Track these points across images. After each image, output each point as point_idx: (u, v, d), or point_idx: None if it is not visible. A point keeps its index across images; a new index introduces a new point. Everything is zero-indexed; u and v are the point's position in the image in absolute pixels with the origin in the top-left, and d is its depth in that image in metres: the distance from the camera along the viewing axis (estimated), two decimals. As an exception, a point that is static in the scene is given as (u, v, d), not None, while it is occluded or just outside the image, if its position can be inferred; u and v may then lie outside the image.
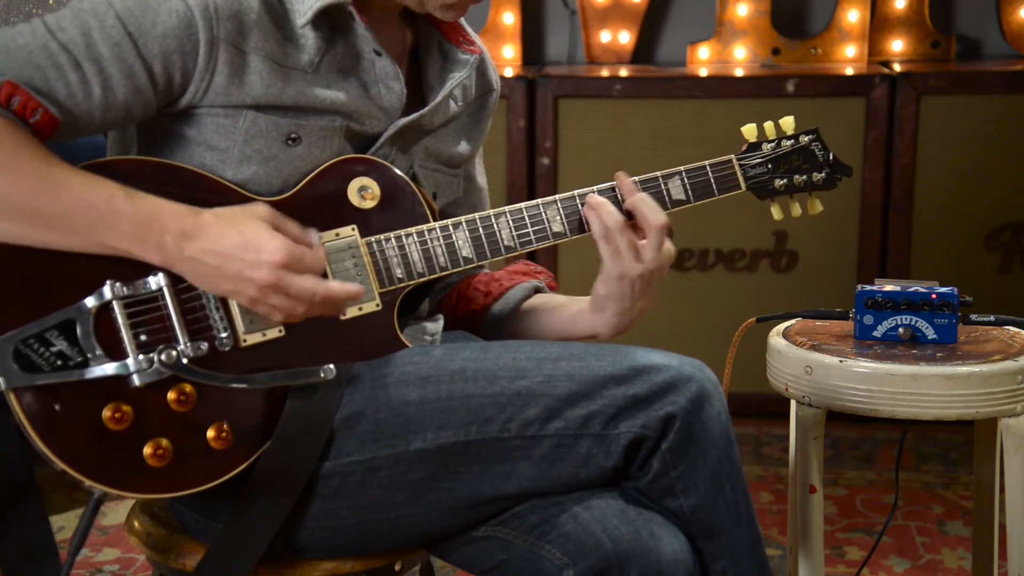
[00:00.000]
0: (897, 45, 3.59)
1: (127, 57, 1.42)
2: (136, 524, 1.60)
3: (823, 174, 1.73)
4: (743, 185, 1.70)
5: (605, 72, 3.44)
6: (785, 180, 1.72)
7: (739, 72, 3.40)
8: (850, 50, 3.56)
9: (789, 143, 1.73)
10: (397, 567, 1.56)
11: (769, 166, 1.71)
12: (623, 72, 3.44)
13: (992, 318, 1.79)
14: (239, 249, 1.38)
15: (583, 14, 3.62)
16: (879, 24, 3.58)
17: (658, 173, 1.66)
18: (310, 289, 1.41)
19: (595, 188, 1.63)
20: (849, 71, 3.38)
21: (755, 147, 1.72)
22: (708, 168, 1.68)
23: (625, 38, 3.63)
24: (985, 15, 3.60)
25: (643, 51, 3.69)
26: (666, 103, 3.28)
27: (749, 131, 1.73)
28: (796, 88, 3.24)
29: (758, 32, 3.56)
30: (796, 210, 1.76)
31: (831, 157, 1.75)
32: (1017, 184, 3.24)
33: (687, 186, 1.66)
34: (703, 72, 3.42)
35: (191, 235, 1.39)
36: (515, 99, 3.29)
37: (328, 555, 1.51)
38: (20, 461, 1.40)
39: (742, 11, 3.56)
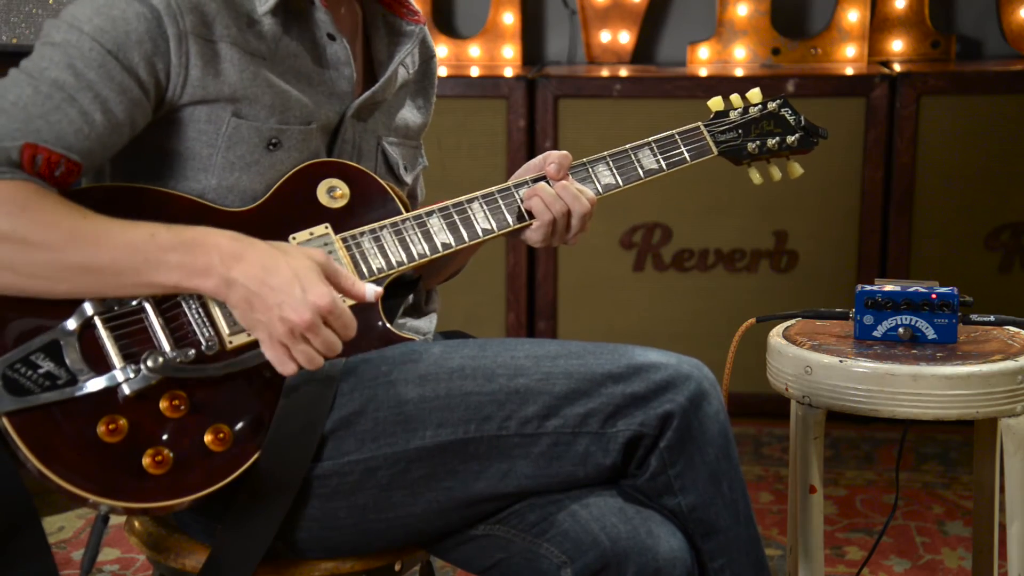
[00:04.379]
0: (897, 45, 3.59)
1: (114, 75, 1.42)
2: (136, 524, 1.60)
3: (796, 136, 1.76)
4: (714, 150, 1.74)
5: (605, 72, 3.44)
6: (757, 143, 1.75)
7: (739, 72, 3.40)
8: (850, 50, 3.56)
9: (756, 109, 1.77)
10: (397, 567, 1.56)
11: (739, 131, 1.75)
12: (623, 72, 3.44)
13: (992, 318, 1.79)
14: (285, 283, 1.36)
15: (583, 14, 3.62)
16: (879, 24, 3.58)
17: (627, 145, 1.69)
18: (332, 345, 1.38)
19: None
20: (849, 71, 3.38)
21: (722, 115, 1.76)
22: (677, 136, 1.73)
23: (625, 38, 3.63)
24: (985, 15, 3.60)
25: (643, 51, 3.69)
26: (666, 103, 3.28)
27: (715, 103, 1.78)
28: (796, 88, 3.24)
29: (758, 32, 3.56)
30: (775, 174, 1.80)
31: (803, 120, 1.78)
32: (1017, 184, 3.24)
33: (658, 155, 1.71)
34: (703, 72, 3.42)
35: (240, 257, 1.37)
36: (515, 99, 3.29)
37: (327, 555, 1.51)
38: (20, 494, 1.39)
39: (742, 11, 3.56)
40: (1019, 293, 3.28)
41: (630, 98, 3.29)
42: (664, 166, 1.71)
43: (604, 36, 3.63)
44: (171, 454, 1.40)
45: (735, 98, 1.78)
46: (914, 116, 3.21)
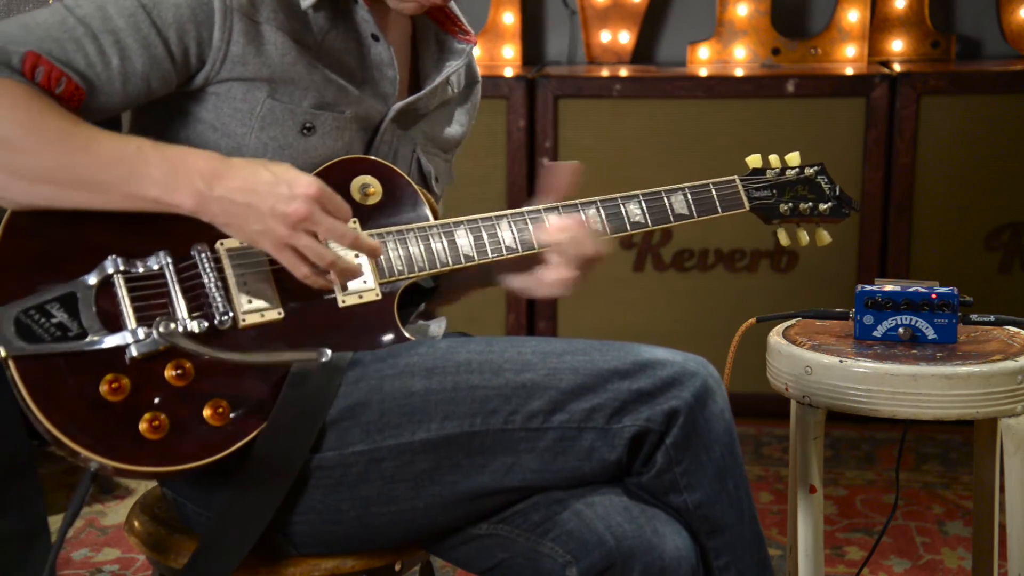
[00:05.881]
0: (897, 45, 3.59)
1: (142, 27, 1.45)
2: (136, 524, 1.60)
3: (828, 205, 1.79)
4: (747, 204, 1.77)
5: (605, 72, 3.44)
6: (790, 205, 1.77)
7: (739, 72, 3.40)
8: (850, 50, 3.56)
9: (793, 172, 1.79)
10: (397, 567, 1.56)
11: (773, 191, 1.78)
12: (623, 72, 3.44)
13: (992, 318, 1.79)
14: (271, 185, 1.40)
15: (583, 14, 3.62)
16: (879, 24, 3.58)
17: (661, 188, 1.70)
18: (341, 229, 1.42)
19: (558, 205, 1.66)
20: (849, 71, 3.38)
21: (759, 172, 1.79)
22: (711, 186, 1.73)
23: (625, 38, 3.63)
24: (985, 15, 3.61)
25: (643, 51, 3.70)
26: (666, 103, 3.28)
27: (753, 160, 1.80)
28: (796, 88, 3.24)
29: (758, 32, 3.56)
30: (804, 238, 1.82)
31: (838, 190, 1.80)
32: (1017, 184, 3.24)
33: (690, 202, 1.72)
34: (703, 72, 3.42)
35: (221, 174, 1.41)
36: (515, 99, 3.29)
37: (328, 550, 1.51)
38: (20, 440, 1.40)
39: (742, 11, 3.56)
40: (1019, 293, 3.28)
41: (630, 98, 3.30)
42: (695, 213, 1.72)
43: (604, 36, 3.63)
44: (168, 421, 1.40)
45: (773, 158, 1.80)
46: (914, 116, 3.21)
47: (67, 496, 2.81)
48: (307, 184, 1.41)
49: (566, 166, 1.67)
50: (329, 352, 1.45)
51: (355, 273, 1.48)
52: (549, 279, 1.64)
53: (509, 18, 3.63)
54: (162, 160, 1.41)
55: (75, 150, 1.39)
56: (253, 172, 1.41)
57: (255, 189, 1.40)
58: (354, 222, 1.55)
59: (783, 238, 1.81)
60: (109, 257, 1.42)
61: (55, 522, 2.72)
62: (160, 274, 1.44)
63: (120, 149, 1.40)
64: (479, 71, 1.84)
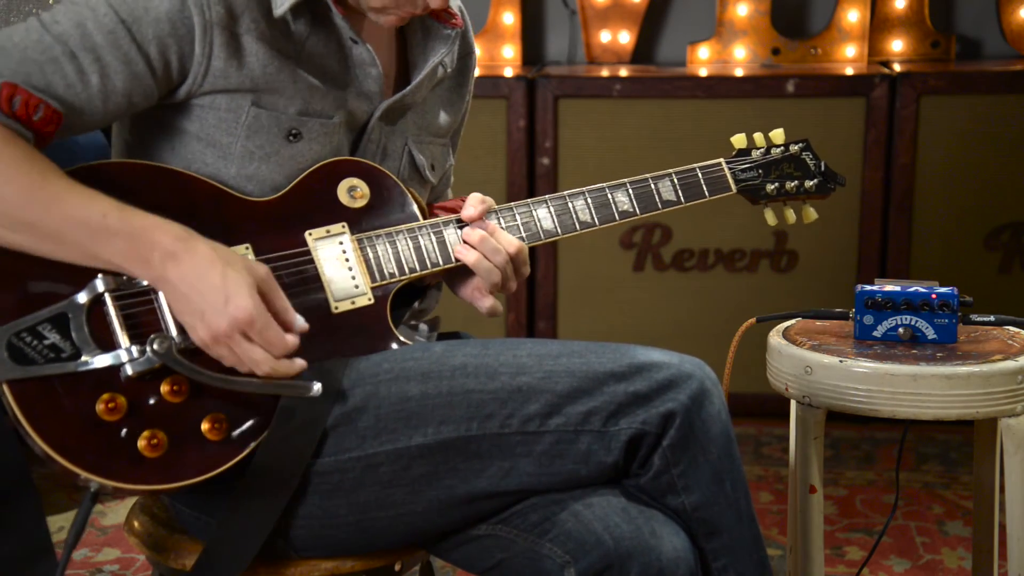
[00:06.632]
0: (897, 45, 3.59)
1: (122, 44, 1.44)
2: (136, 524, 1.60)
3: (815, 181, 1.79)
4: (733, 187, 1.76)
5: (605, 72, 3.44)
6: (776, 184, 1.77)
7: (739, 72, 3.40)
8: (850, 50, 3.56)
9: (779, 151, 1.79)
10: (397, 567, 1.56)
11: (759, 171, 1.78)
12: (623, 72, 3.44)
13: (992, 318, 1.79)
14: (212, 290, 1.38)
15: (583, 14, 3.62)
16: (879, 24, 3.58)
17: (648, 175, 1.70)
18: (255, 360, 1.40)
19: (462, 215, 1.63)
20: (849, 71, 3.38)
21: (744, 153, 1.79)
22: (698, 170, 1.73)
23: (625, 38, 3.63)
24: (985, 15, 3.60)
25: (643, 51, 3.69)
26: (666, 103, 3.28)
27: (738, 140, 1.80)
28: (796, 88, 3.24)
29: (758, 32, 3.56)
30: (790, 217, 1.82)
31: (823, 166, 1.81)
32: (1017, 184, 3.24)
33: (677, 187, 1.71)
34: (703, 72, 3.42)
35: (177, 258, 1.39)
36: (515, 99, 3.29)
37: (328, 553, 1.51)
38: (16, 460, 1.40)
39: (742, 11, 3.56)
40: (1019, 293, 3.28)
41: (630, 98, 3.29)
42: (682, 198, 1.72)
43: (604, 36, 3.63)
44: (166, 438, 1.40)
45: (758, 137, 1.80)
46: (914, 116, 3.21)
47: (68, 496, 2.81)
48: (240, 307, 1.37)
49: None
50: (319, 386, 1.43)
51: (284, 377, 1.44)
52: (481, 304, 1.63)
53: (509, 18, 3.63)
54: (125, 230, 1.39)
55: (40, 206, 1.37)
56: (207, 267, 1.39)
57: (196, 286, 1.38)
58: (343, 226, 1.55)
59: (770, 218, 1.82)
60: (99, 275, 1.41)
61: (56, 521, 2.73)
62: (150, 290, 1.43)
63: (84, 213, 1.38)
64: (474, 42, 1.80)
